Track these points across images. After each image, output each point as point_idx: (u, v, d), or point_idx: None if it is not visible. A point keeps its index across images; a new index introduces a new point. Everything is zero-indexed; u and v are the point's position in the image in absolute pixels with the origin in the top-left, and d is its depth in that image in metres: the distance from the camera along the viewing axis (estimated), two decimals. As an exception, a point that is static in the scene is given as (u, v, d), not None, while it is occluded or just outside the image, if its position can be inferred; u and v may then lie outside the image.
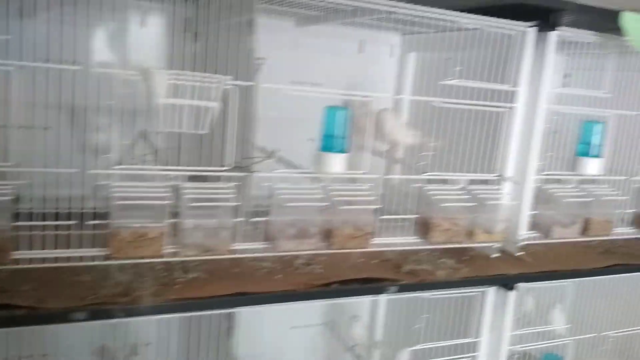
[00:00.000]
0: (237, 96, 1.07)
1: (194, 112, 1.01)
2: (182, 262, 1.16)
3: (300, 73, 1.45)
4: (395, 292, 1.25)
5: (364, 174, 1.25)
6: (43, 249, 1.01)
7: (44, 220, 1.01)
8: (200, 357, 1.30)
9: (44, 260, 1.01)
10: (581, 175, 1.50)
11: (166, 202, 1.00)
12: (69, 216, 1.02)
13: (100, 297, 0.98)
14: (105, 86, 1.00)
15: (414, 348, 1.45)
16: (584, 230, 1.48)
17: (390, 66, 1.78)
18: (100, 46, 1.05)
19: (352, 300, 1.60)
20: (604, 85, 1.53)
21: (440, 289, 1.39)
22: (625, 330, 1.74)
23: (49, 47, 0.98)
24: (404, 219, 1.35)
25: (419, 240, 1.34)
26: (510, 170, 1.43)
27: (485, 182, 1.42)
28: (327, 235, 1.21)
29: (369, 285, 1.25)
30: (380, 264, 1.32)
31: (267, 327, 1.62)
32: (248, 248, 1.16)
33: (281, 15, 1.47)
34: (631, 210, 1.63)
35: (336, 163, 1.17)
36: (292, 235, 1.15)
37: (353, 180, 1.27)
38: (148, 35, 1.37)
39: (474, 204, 1.32)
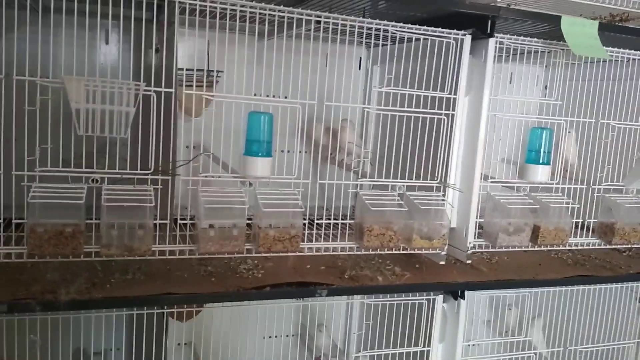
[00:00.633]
0: (155, 102, 1.12)
1: (111, 117, 1.07)
2: (122, 263, 1.22)
3: (264, 86, 1.51)
4: (325, 295, 1.27)
5: (295, 178, 1.28)
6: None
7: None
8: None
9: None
10: (531, 183, 1.48)
11: (81, 201, 1.05)
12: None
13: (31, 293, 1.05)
14: (31, 94, 1.07)
15: (360, 354, 1.45)
16: (535, 239, 1.45)
17: (358, 78, 1.82)
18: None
19: (325, 305, 1.62)
20: (555, 92, 1.52)
21: (383, 293, 1.40)
22: (595, 345, 1.68)
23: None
24: (339, 224, 1.37)
25: (353, 245, 1.35)
26: (454, 178, 1.43)
27: (430, 189, 1.42)
28: (254, 238, 1.24)
29: (302, 288, 1.28)
30: (326, 269, 1.35)
31: (240, 336, 1.65)
32: (171, 249, 1.19)
33: (242, 31, 1.54)
34: (593, 220, 1.60)
35: (260, 167, 1.21)
36: (214, 237, 1.18)
37: (287, 185, 1.30)
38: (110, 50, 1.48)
39: (406, 209, 1.32)
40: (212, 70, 1.47)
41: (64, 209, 1.06)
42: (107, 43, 1.49)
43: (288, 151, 1.68)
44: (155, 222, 1.16)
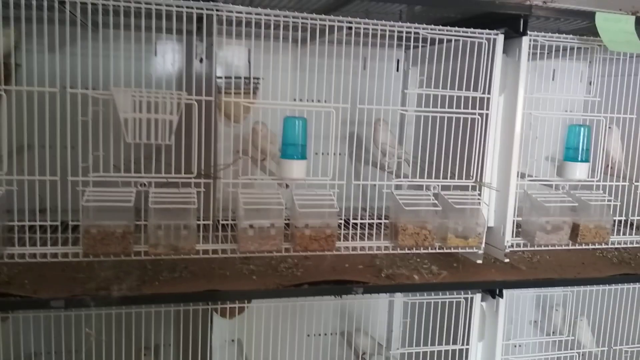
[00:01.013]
0: (197, 110, 1.19)
1: (156, 125, 1.14)
2: (170, 262, 1.30)
3: (303, 91, 1.56)
4: (361, 293, 1.31)
5: (330, 180, 1.32)
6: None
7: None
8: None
9: (34, 255, 1.17)
10: (569, 180, 1.47)
11: (130, 204, 1.13)
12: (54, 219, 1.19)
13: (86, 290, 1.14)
14: (84, 105, 1.16)
15: (399, 351, 1.48)
16: (575, 237, 1.44)
17: (396, 80, 1.84)
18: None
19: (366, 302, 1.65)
20: (593, 89, 1.50)
21: (420, 291, 1.42)
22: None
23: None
24: (375, 223, 1.40)
25: (388, 244, 1.38)
26: (490, 177, 1.44)
27: (466, 188, 1.44)
28: (291, 237, 1.29)
29: (339, 286, 1.32)
30: (364, 268, 1.38)
31: (281, 334, 1.71)
32: (214, 248, 1.26)
33: (277, 39, 1.60)
34: (637, 217, 1.57)
35: (296, 169, 1.26)
36: (254, 237, 1.24)
37: (323, 186, 1.34)
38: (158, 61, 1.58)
39: (440, 208, 1.34)
40: (253, 77, 1.54)
41: (115, 212, 1.14)
42: (155, 55, 1.58)
43: (326, 153, 1.73)
44: (198, 222, 1.23)
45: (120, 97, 1.12)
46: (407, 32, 1.33)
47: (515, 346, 1.56)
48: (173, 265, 1.31)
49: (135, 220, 1.19)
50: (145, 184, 1.21)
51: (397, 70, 1.85)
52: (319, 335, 1.84)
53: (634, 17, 1.35)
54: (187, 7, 1.18)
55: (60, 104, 1.17)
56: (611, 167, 1.57)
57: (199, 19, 1.25)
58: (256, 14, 1.22)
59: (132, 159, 1.20)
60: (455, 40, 1.37)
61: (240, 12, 1.21)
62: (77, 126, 1.15)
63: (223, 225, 1.35)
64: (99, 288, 1.16)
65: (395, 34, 1.33)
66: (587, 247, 1.47)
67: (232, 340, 1.76)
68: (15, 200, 1.16)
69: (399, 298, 1.52)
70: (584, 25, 1.39)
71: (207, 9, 1.19)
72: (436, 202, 1.35)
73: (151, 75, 1.56)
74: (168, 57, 1.61)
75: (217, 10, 1.19)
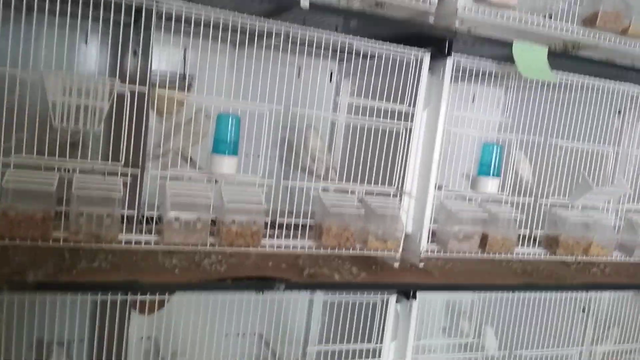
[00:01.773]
0: (129, 100, 1.19)
1: (85, 111, 1.13)
2: (88, 251, 1.28)
3: (237, 93, 1.59)
4: (283, 289, 1.34)
5: (259, 178, 1.36)
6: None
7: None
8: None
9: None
10: (481, 193, 1.58)
11: (52, 188, 1.11)
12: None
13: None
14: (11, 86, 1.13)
15: (315, 348, 1.52)
16: (483, 247, 1.55)
17: (329, 90, 1.91)
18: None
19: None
20: (507, 113, 1.64)
21: (339, 289, 1.47)
22: (540, 350, 1.78)
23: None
24: (300, 222, 1.45)
25: (312, 243, 1.43)
26: (409, 185, 1.52)
27: (388, 195, 1.51)
28: (217, 232, 1.31)
29: (262, 282, 1.35)
30: (287, 267, 1.42)
31: (200, 333, 1.69)
32: (137, 239, 1.26)
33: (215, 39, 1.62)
34: (540, 231, 1.71)
35: (226, 165, 1.28)
36: (179, 229, 1.25)
37: (252, 185, 1.37)
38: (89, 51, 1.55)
39: (362, 212, 1.41)
40: (187, 75, 1.55)
41: (36, 195, 1.11)
42: (86, 43, 1.55)
43: (257, 155, 1.76)
44: (122, 212, 1.22)
45: (50, 80, 1.10)
46: (341, 43, 1.40)
47: (425, 347, 1.65)
48: (93, 255, 1.29)
49: (57, 207, 1.16)
50: (69, 170, 1.19)
51: (330, 81, 1.92)
52: (238, 335, 1.85)
53: (547, 48, 1.49)
54: (127, -2, 1.18)
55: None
56: (522, 185, 1.71)
57: (137, 10, 1.26)
58: (196, 10, 1.24)
59: (58, 144, 1.18)
60: (385, 55, 1.45)
61: (181, 7, 1.23)
62: (1, 107, 1.12)
63: (148, 218, 1.34)
64: (13, 273, 1.13)
65: (331, 44, 1.39)
66: (494, 256, 1.59)
67: (148, 338, 1.73)
68: None
69: (319, 296, 1.56)
70: (503, 53, 1.52)
71: (147, 2, 1.20)
72: (360, 206, 1.42)
73: (83, 64, 1.55)
74: (100, 47, 1.59)
75: (157, 2, 1.20)
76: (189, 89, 1.55)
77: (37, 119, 1.16)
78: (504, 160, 1.59)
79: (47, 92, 1.11)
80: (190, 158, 1.40)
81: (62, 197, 1.19)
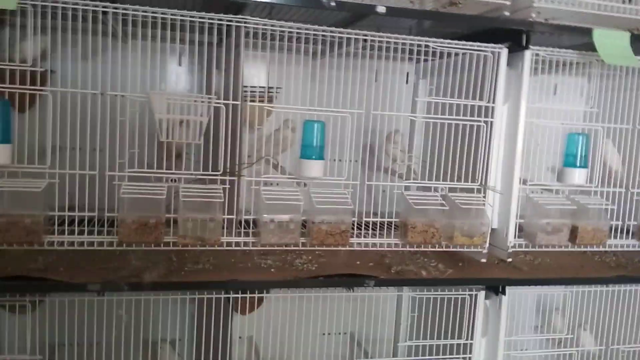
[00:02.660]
0: (225, 113, 1.30)
1: (187, 126, 1.25)
2: (192, 253, 1.40)
3: (320, 101, 1.67)
4: (373, 286, 1.39)
5: (345, 180, 1.43)
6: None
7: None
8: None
9: (72, 243, 1.27)
10: (568, 185, 1.56)
11: (162, 197, 1.24)
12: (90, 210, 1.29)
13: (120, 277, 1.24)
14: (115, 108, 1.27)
15: (406, 344, 1.56)
16: (574, 239, 1.53)
17: (407, 92, 1.95)
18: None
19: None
20: (592, 101, 1.61)
21: (426, 285, 1.50)
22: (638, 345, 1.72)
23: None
24: (385, 222, 1.50)
25: (398, 241, 1.47)
26: (494, 180, 1.53)
27: (471, 191, 1.53)
28: (308, 232, 1.39)
29: (352, 279, 1.41)
30: (374, 265, 1.47)
31: (293, 331, 1.78)
32: (237, 241, 1.36)
33: (293, 51, 1.71)
34: (633, 222, 1.65)
35: (314, 168, 1.36)
36: (274, 230, 1.34)
37: (338, 187, 1.44)
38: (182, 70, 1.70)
39: (447, 208, 1.44)
40: (272, 87, 1.65)
41: (148, 204, 1.24)
42: (179, 65, 1.70)
43: (341, 160, 1.83)
44: (223, 217, 1.33)
45: (156, 100, 1.23)
46: (418, 45, 1.44)
47: (516, 343, 1.64)
48: (197, 257, 1.41)
49: (166, 214, 1.29)
50: (175, 180, 1.31)
51: (407, 82, 1.96)
52: (329, 334, 1.92)
53: (629, 33, 1.46)
54: (218, 19, 1.29)
55: (93, 107, 1.27)
56: (611, 176, 1.66)
57: (220, 30, 1.36)
58: (280, 26, 1.33)
59: (165, 157, 1.30)
60: (462, 53, 1.48)
61: (266, 25, 1.32)
62: (114, 126, 1.26)
63: (245, 222, 1.44)
64: (130, 275, 1.26)
65: (407, 47, 1.44)
66: (585, 249, 1.56)
67: (246, 337, 1.84)
68: (57, 193, 1.27)
69: (407, 293, 1.60)
70: (582, 41, 1.50)
71: (236, 21, 1.31)
72: (444, 202, 1.45)
73: (178, 84, 1.69)
74: (191, 67, 1.72)
75: (245, 22, 1.30)
76: (272, 101, 1.65)
77: (146, 136, 1.29)
78: (590, 151, 1.56)
79: (154, 111, 1.24)
80: (280, 165, 1.50)
81: (170, 204, 1.31)
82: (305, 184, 1.41)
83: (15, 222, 1.20)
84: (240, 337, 1.84)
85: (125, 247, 1.28)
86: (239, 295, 1.40)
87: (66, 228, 1.28)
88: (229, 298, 1.39)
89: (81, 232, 1.29)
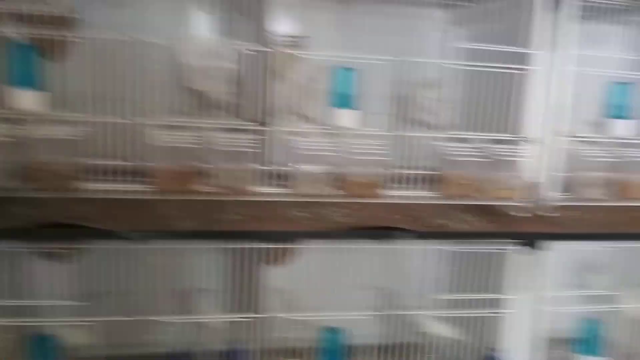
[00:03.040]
0: (259, 61, 1.27)
1: (218, 73, 1.23)
2: (223, 204, 1.40)
3: (350, 48, 1.63)
4: (407, 239, 1.37)
5: (378, 130, 1.39)
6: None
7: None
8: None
9: (108, 192, 1.29)
10: (613, 137, 1.49)
11: (197, 145, 1.23)
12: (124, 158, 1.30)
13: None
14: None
15: (437, 297, 1.54)
16: (617, 193, 1.47)
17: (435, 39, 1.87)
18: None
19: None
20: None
21: (462, 239, 1.47)
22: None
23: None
24: (420, 174, 1.46)
25: (433, 194, 1.44)
26: (534, 131, 1.47)
27: (511, 142, 1.48)
28: (341, 183, 1.37)
29: (385, 232, 1.39)
30: (409, 218, 1.45)
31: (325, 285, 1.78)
32: (269, 191, 1.35)
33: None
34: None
35: (347, 118, 1.33)
36: (307, 181, 1.32)
37: (372, 138, 1.41)
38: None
39: (488, 160, 1.39)
40: (300, 35, 1.61)
41: (182, 153, 1.24)
42: (207, 11, 1.65)
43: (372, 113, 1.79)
44: (255, 167, 1.32)
45: (182, 45, 1.21)
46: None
47: (553, 299, 1.60)
48: (229, 208, 1.41)
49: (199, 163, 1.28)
50: (208, 129, 1.30)
51: (442, 29, 1.88)
52: (361, 288, 1.90)
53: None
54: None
55: (123, 54, 1.26)
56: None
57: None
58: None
59: (198, 105, 1.29)
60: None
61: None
62: (147, 74, 1.25)
63: (277, 172, 1.43)
64: (165, 224, 1.27)
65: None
66: (631, 203, 1.50)
67: (277, 289, 1.84)
68: (92, 142, 1.27)
69: (441, 246, 1.57)
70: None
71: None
72: (481, 154, 1.40)
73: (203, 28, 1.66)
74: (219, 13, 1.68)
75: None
76: (303, 48, 1.61)
77: (178, 85, 1.28)
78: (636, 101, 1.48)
79: (180, 56, 1.22)
80: (311, 115, 1.47)
81: (203, 154, 1.31)
82: (338, 135, 1.38)
83: (51, 169, 1.21)
84: (271, 289, 1.86)
85: (159, 196, 1.28)
86: (271, 246, 1.40)
87: (101, 177, 1.29)
88: (260, 249, 1.39)
89: (116, 181, 1.30)
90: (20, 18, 1.23)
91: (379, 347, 1.63)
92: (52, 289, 1.42)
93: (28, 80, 1.17)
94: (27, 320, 1.36)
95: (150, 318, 1.36)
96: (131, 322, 1.36)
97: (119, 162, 1.29)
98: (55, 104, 1.26)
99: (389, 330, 1.64)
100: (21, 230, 1.22)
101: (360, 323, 1.51)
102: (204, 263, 1.51)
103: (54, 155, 1.22)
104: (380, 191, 1.37)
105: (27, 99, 1.17)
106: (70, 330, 1.36)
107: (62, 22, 1.26)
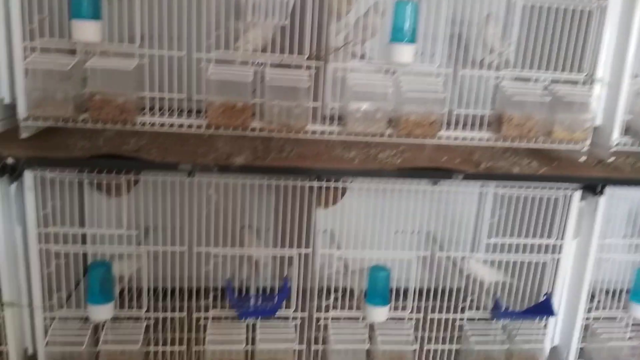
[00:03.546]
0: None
1: (272, 5, 1.19)
2: (277, 142, 1.39)
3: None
4: (461, 179, 1.34)
5: (437, 67, 1.34)
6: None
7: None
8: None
9: (162, 125, 1.29)
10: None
11: (248, 80, 1.21)
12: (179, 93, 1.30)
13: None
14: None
15: (490, 241, 1.52)
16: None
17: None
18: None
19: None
20: None
21: (518, 181, 1.42)
22: None
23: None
24: (477, 115, 1.41)
25: (491, 135, 1.39)
26: (602, 72, 1.39)
27: (576, 82, 1.40)
28: (395, 122, 1.33)
29: (437, 171, 1.35)
30: (462, 161, 1.41)
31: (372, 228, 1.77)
32: (322, 129, 1.33)
33: None
34: None
35: (404, 53, 1.27)
36: (360, 119, 1.29)
37: (429, 75, 1.36)
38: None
39: (547, 100, 1.33)
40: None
41: (235, 87, 1.22)
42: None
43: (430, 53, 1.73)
44: (309, 104, 1.29)
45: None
46: None
47: (610, 246, 1.55)
48: (281, 145, 1.40)
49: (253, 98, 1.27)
50: (261, 64, 1.28)
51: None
52: (411, 232, 1.89)
53: None
54: None
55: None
56: None
57: None
58: None
59: (250, 39, 1.26)
60: None
61: None
62: (200, 8, 1.23)
63: (331, 110, 1.40)
64: (218, 157, 1.27)
65: None
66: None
67: (325, 231, 1.86)
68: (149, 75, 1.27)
69: (495, 189, 1.53)
70: None
71: None
72: (544, 94, 1.34)
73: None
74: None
75: None
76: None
77: (232, 18, 1.25)
78: None
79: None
80: (366, 51, 1.42)
81: (256, 89, 1.29)
82: (394, 72, 1.34)
83: (109, 101, 1.22)
84: (320, 228, 1.86)
85: (212, 130, 1.28)
86: (322, 184, 1.39)
87: (157, 111, 1.29)
88: (310, 187, 1.39)
89: (171, 116, 1.30)
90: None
91: (426, 290, 1.63)
92: (108, 220, 1.46)
93: (92, 13, 1.17)
94: (83, 246, 1.42)
95: (199, 249, 1.39)
96: (180, 253, 1.40)
97: (174, 96, 1.29)
98: (115, 38, 1.25)
99: (436, 274, 1.64)
100: (78, 160, 1.24)
101: (407, 265, 1.50)
102: (254, 200, 1.52)
103: (112, 87, 1.22)
104: (436, 131, 1.33)
105: (90, 31, 1.17)
106: (122, 259, 1.40)
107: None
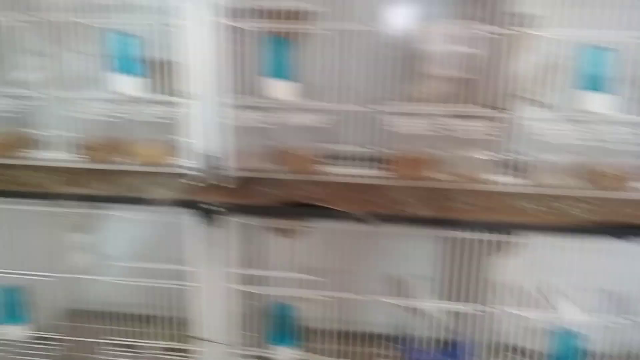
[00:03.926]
0: (502, 45, 1.21)
1: (461, 57, 1.21)
2: (455, 192, 1.37)
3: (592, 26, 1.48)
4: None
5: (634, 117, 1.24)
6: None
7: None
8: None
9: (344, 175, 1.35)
10: None
11: (427, 132, 1.23)
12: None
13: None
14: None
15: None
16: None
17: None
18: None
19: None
20: None
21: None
22: None
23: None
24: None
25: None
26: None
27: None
28: (587, 175, 1.25)
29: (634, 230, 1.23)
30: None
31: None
32: (504, 181, 1.29)
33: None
34: None
35: (597, 103, 1.20)
36: (546, 172, 1.23)
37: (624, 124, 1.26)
38: None
39: None
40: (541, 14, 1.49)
41: (419, 139, 1.25)
42: None
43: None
44: (492, 155, 1.27)
45: (422, 32, 1.20)
46: None
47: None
48: (463, 196, 1.37)
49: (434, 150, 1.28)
50: (443, 115, 1.29)
51: None
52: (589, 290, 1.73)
53: None
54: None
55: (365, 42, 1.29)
56: None
57: None
58: None
59: (433, 92, 1.28)
60: None
61: None
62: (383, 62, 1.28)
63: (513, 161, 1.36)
64: (396, 209, 1.28)
65: None
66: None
67: (502, 283, 1.75)
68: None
69: None
70: None
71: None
72: None
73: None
74: None
75: None
76: (544, 28, 1.50)
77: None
78: None
79: (424, 43, 1.21)
80: (551, 99, 1.37)
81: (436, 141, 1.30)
82: (582, 121, 1.27)
83: (296, 154, 1.31)
84: (496, 282, 1.77)
85: (394, 182, 1.31)
86: (500, 238, 1.33)
87: (340, 162, 1.35)
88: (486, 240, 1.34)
89: (353, 166, 1.35)
90: (270, 13, 1.34)
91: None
92: (284, 263, 1.54)
93: (281, 71, 1.27)
94: (267, 289, 1.50)
95: (376, 298, 1.40)
96: (354, 300, 1.42)
97: (357, 148, 1.34)
98: (303, 94, 1.35)
99: (626, 337, 1.47)
100: (264, 207, 1.34)
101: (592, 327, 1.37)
102: (424, 249, 1.50)
103: (299, 140, 1.31)
104: (631, 184, 1.22)
105: (280, 89, 1.27)
106: (303, 302, 1.46)
107: (303, 15, 1.34)
